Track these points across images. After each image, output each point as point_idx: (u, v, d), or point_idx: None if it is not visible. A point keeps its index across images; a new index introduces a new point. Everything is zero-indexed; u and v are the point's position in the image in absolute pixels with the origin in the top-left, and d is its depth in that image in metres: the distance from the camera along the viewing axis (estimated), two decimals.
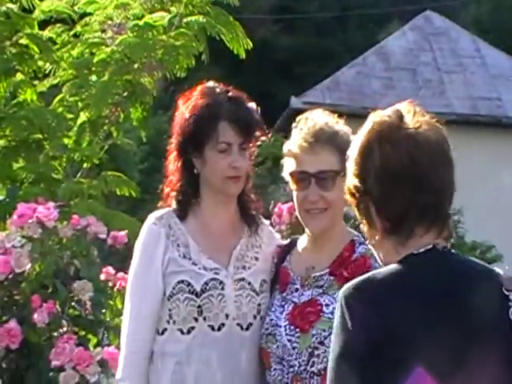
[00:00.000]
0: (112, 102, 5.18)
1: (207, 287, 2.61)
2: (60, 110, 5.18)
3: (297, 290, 2.61)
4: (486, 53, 17.48)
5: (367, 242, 2.12)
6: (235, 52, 5.37)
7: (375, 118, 2.08)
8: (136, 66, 5.26)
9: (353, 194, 2.06)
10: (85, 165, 5.10)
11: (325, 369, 2.46)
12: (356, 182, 2.04)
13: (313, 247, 2.64)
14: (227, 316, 2.61)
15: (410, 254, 1.99)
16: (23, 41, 5.24)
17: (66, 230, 3.64)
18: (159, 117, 14.53)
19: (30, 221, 3.55)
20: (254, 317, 2.64)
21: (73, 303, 3.54)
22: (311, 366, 2.50)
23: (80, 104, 5.20)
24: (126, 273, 3.62)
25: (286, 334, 2.55)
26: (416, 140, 2.03)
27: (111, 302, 3.72)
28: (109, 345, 3.53)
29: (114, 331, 3.59)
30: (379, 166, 2.00)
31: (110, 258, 4.29)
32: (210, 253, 2.65)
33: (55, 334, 3.43)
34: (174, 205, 2.71)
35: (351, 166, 2.06)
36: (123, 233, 3.94)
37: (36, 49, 5.22)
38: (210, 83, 2.73)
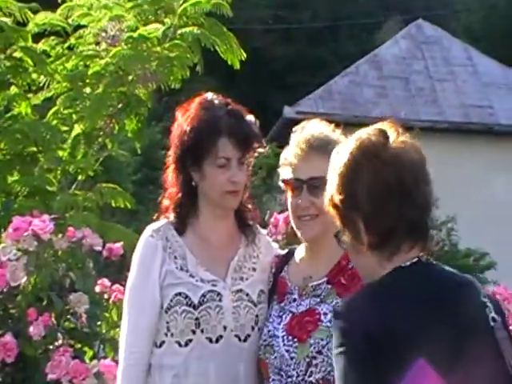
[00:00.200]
0: (106, 113, 5.18)
1: (205, 299, 2.60)
2: (54, 122, 5.18)
3: (295, 300, 2.61)
4: (477, 61, 17.54)
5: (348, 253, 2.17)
6: (229, 63, 5.38)
7: (361, 135, 2.14)
8: (130, 77, 5.27)
9: (336, 207, 2.11)
10: (80, 177, 5.10)
11: (323, 378, 2.48)
12: (342, 196, 2.09)
13: (310, 257, 2.65)
14: (225, 328, 2.61)
15: (398, 267, 2.08)
16: (17, 54, 5.24)
17: (61, 243, 3.64)
18: (152, 128, 14.52)
19: (26, 234, 3.55)
20: (252, 328, 2.64)
21: (68, 316, 3.53)
22: (309, 376, 2.49)
23: (74, 116, 5.20)
24: (121, 285, 3.63)
25: (284, 345, 2.55)
26: (401, 159, 2.11)
27: (107, 315, 3.71)
28: (105, 357, 3.53)
29: (109, 344, 3.59)
30: (370, 183, 2.08)
31: (105, 269, 4.30)
32: (208, 265, 2.65)
33: (51, 346, 3.42)
34: (171, 217, 2.71)
35: (336, 180, 2.11)
36: (119, 245, 3.94)
37: (30, 62, 5.23)
38: (209, 95, 2.71)
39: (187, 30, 5.29)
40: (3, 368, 3.41)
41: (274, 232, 3.71)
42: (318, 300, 2.57)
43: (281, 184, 2.69)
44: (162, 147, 14.63)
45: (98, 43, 5.38)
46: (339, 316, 2.04)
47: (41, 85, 5.32)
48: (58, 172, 5.06)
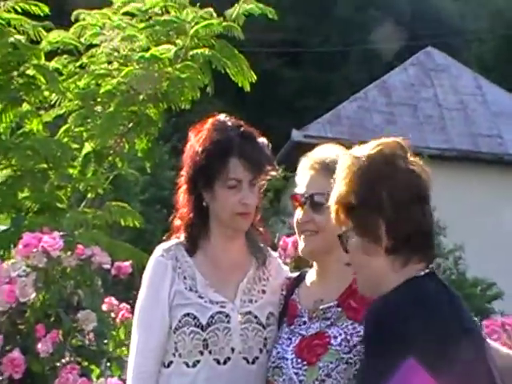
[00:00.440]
0: (117, 132, 5.21)
1: (213, 320, 2.59)
2: (65, 140, 5.21)
3: (305, 322, 2.60)
4: (487, 90, 17.59)
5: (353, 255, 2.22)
6: (240, 85, 5.42)
7: (379, 143, 2.23)
8: (141, 97, 5.30)
9: (351, 207, 2.17)
10: (89, 195, 5.12)
11: None
12: (362, 197, 2.15)
13: (320, 280, 2.65)
14: (233, 350, 2.60)
15: (413, 277, 2.16)
16: (30, 71, 5.29)
17: (70, 260, 3.64)
18: (160, 148, 14.57)
19: (35, 250, 3.55)
20: (260, 350, 2.62)
21: (76, 333, 3.53)
22: None
23: (85, 134, 5.23)
24: (129, 303, 3.62)
25: (293, 367, 2.54)
26: (419, 172, 2.22)
27: (114, 333, 3.71)
28: (111, 376, 3.52)
29: (116, 362, 3.58)
30: (394, 187, 2.16)
31: (113, 288, 4.29)
32: (217, 286, 2.64)
33: (58, 364, 3.41)
34: (182, 237, 2.70)
35: (352, 180, 2.18)
36: (127, 263, 3.94)
37: (42, 79, 5.27)
38: (222, 116, 2.72)
39: (198, 51, 5.34)
40: None
41: (283, 255, 3.71)
42: (328, 323, 2.56)
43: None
44: (170, 167, 14.69)
45: (109, 62, 5.42)
46: (386, 319, 2.06)
47: (52, 102, 5.36)
48: (68, 189, 5.09)
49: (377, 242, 2.16)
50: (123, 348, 3.64)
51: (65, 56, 5.51)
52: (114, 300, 3.92)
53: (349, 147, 2.76)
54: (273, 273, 2.73)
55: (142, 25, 5.50)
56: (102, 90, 5.27)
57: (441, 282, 2.23)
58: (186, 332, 2.58)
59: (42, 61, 5.36)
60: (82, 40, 5.48)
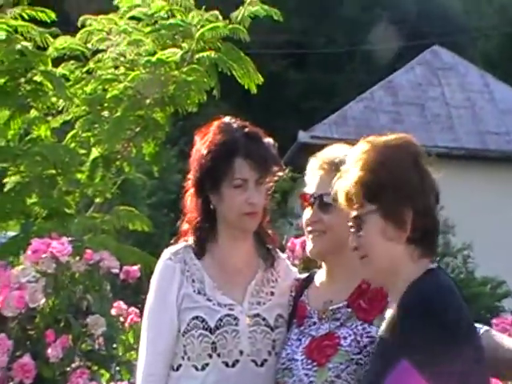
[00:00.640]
0: (124, 137, 5.23)
1: (221, 323, 2.60)
2: (73, 145, 5.23)
3: (314, 323, 2.60)
4: (494, 88, 17.55)
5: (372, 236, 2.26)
6: (246, 87, 5.43)
7: (397, 137, 2.32)
8: (148, 101, 5.31)
9: (381, 191, 2.22)
10: (97, 199, 5.13)
11: None
12: (393, 184, 2.22)
13: (329, 280, 2.65)
14: (241, 352, 2.60)
15: (431, 269, 2.23)
16: (37, 78, 5.30)
17: (79, 265, 3.66)
18: (167, 151, 14.59)
19: (44, 256, 3.57)
20: (269, 353, 2.63)
21: (85, 338, 3.55)
22: None
23: (93, 140, 5.25)
24: (138, 307, 3.64)
25: (303, 368, 2.54)
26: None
27: (123, 337, 3.73)
28: (121, 380, 3.54)
29: (126, 366, 3.60)
30: (422, 180, 2.25)
31: (122, 292, 4.31)
32: (225, 289, 2.65)
33: (68, 368, 3.43)
34: (190, 240, 2.71)
35: (391, 165, 2.24)
36: (136, 267, 3.96)
37: (50, 85, 5.28)
38: (227, 118, 2.73)
39: (204, 54, 5.34)
40: None
41: (291, 256, 3.72)
42: (338, 324, 2.56)
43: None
44: (177, 171, 14.70)
45: (116, 67, 5.43)
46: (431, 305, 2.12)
47: (60, 108, 5.37)
48: (77, 194, 5.10)
49: (401, 228, 2.21)
50: (132, 352, 3.65)
51: (71, 62, 5.52)
52: (122, 304, 3.94)
53: None
54: (281, 274, 2.74)
55: (148, 29, 5.51)
56: (108, 95, 5.28)
57: (448, 275, 2.33)
58: (194, 335, 2.59)
59: (49, 67, 5.37)
60: (89, 45, 5.49)
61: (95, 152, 5.23)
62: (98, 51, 5.51)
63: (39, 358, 3.39)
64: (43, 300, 3.45)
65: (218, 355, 2.58)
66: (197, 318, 2.61)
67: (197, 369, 2.59)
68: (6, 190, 5.12)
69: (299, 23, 23.42)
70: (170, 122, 5.53)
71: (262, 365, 2.62)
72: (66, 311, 3.52)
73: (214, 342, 2.58)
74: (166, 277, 2.67)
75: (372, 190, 2.24)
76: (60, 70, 5.44)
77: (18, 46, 5.20)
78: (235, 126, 2.70)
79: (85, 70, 5.49)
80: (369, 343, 2.48)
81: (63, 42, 5.44)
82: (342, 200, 2.32)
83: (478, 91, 17.39)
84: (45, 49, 5.42)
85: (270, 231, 2.77)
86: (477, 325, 2.35)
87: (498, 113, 16.89)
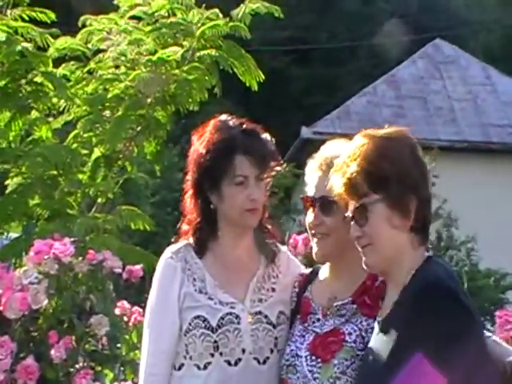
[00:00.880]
0: (126, 136, 5.23)
1: (223, 322, 2.60)
2: (74, 146, 5.23)
3: (318, 319, 2.60)
4: (496, 80, 17.50)
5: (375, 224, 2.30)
6: (248, 84, 5.42)
7: (400, 129, 2.37)
8: (149, 100, 5.31)
9: (386, 180, 2.26)
10: (99, 200, 5.13)
11: None
12: (404, 172, 2.27)
13: (334, 276, 2.64)
14: (244, 351, 2.60)
15: (430, 256, 2.31)
16: (38, 79, 5.30)
17: (81, 265, 3.66)
18: (170, 150, 14.58)
19: (47, 257, 3.58)
20: (271, 350, 2.63)
21: (89, 338, 3.55)
22: None
23: (94, 140, 5.25)
24: (141, 307, 3.64)
25: (307, 365, 2.54)
26: None
27: (127, 337, 3.73)
28: (125, 379, 3.54)
29: (130, 366, 3.61)
30: (423, 171, 2.31)
31: (125, 292, 4.32)
32: (226, 287, 2.65)
33: (72, 369, 3.44)
34: (191, 240, 2.71)
35: (394, 155, 2.29)
36: (138, 267, 3.96)
37: (50, 86, 5.28)
38: (223, 116, 2.72)
39: (205, 52, 5.34)
40: None
41: (293, 253, 3.72)
42: (343, 320, 2.56)
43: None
44: (180, 169, 14.68)
45: (117, 67, 5.43)
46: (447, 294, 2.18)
47: (61, 109, 5.38)
48: (79, 195, 5.10)
49: (406, 217, 2.27)
50: (136, 351, 3.66)
51: (72, 62, 5.52)
52: (126, 304, 3.94)
53: None
54: (282, 269, 2.73)
55: (149, 28, 5.51)
56: (109, 95, 5.28)
57: (445, 262, 2.45)
58: (196, 334, 2.59)
59: (50, 68, 5.37)
60: (89, 45, 5.49)
61: (97, 152, 5.23)
62: (98, 51, 5.51)
63: (43, 359, 3.40)
64: (46, 301, 3.46)
65: (221, 354, 2.58)
66: (198, 317, 2.61)
67: (199, 368, 2.59)
68: (8, 191, 5.13)
69: (301, 19, 23.39)
70: (172, 121, 5.53)
71: (264, 362, 2.61)
72: (69, 312, 3.52)
73: (215, 341, 2.58)
74: (167, 276, 2.67)
75: (377, 180, 2.28)
76: (61, 71, 5.44)
77: (19, 47, 5.20)
78: (232, 123, 2.69)
79: (86, 70, 5.49)
80: None
81: (64, 42, 5.44)
82: (342, 191, 2.35)
83: (480, 84, 17.35)
84: (45, 49, 5.42)
85: (269, 226, 2.76)
86: None
87: (501, 105, 16.85)
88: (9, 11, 5.36)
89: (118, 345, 3.72)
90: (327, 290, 2.63)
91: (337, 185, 2.38)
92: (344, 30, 25.15)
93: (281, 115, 21.16)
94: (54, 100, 5.32)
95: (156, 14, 5.56)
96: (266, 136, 2.71)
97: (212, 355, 2.58)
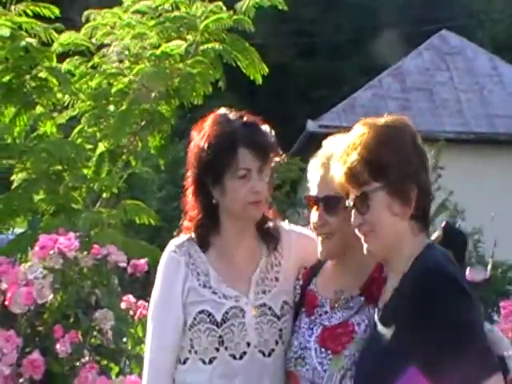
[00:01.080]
0: (130, 131, 5.23)
1: (228, 316, 2.60)
2: (79, 141, 5.23)
3: (326, 312, 2.60)
4: (503, 71, 17.44)
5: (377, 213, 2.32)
6: (252, 78, 5.42)
7: (400, 117, 2.39)
8: (153, 94, 5.31)
9: (387, 169, 2.28)
10: (104, 194, 5.14)
11: None
12: (404, 160, 2.29)
13: (340, 269, 2.64)
14: (249, 344, 2.60)
15: (430, 243, 2.33)
16: (42, 74, 5.30)
17: (86, 260, 3.67)
18: (176, 145, 14.55)
19: (52, 252, 3.59)
20: (276, 342, 2.63)
21: (94, 332, 3.56)
22: None
23: (99, 134, 5.25)
24: (146, 301, 3.65)
25: (317, 357, 2.54)
26: None
27: (132, 331, 3.74)
28: (130, 373, 3.55)
29: (135, 360, 3.61)
30: (423, 159, 2.33)
31: (130, 286, 4.33)
32: (230, 280, 2.65)
33: (78, 363, 3.45)
34: (193, 236, 2.71)
35: (395, 143, 2.31)
36: (143, 261, 3.97)
37: (55, 81, 5.29)
38: (222, 110, 2.71)
39: (209, 46, 5.33)
40: None
41: None
42: (352, 312, 2.56)
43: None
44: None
45: (121, 61, 5.43)
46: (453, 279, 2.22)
47: (65, 104, 5.38)
48: (83, 190, 5.11)
49: (407, 205, 2.31)
50: (142, 345, 3.66)
51: (76, 57, 5.52)
52: (131, 298, 3.95)
53: None
54: (285, 253, 2.72)
55: (153, 22, 5.50)
56: (113, 90, 5.28)
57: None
58: (201, 329, 2.59)
59: (54, 63, 5.37)
60: (93, 40, 5.50)
61: (101, 147, 5.24)
62: (102, 46, 5.51)
63: (48, 353, 3.41)
64: (51, 296, 3.47)
65: (226, 348, 2.59)
66: (203, 311, 2.61)
67: (204, 362, 2.60)
68: (13, 187, 5.14)
69: (306, 12, 23.33)
70: (178, 115, 5.53)
71: (269, 355, 2.62)
72: (74, 306, 3.53)
73: (220, 336, 2.59)
74: (170, 270, 2.67)
75: (377, 168, 2.30)
76: (65, 66, 5.44)
77: (23, 43, 5.21)
78: (232, 116, 2.68)
79: (90, 64, 5.49)
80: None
81: (68, 37, 5.44)
82: (342, 180, 2.37)
83: (487, 75, 17.30)
84: (49, 45, 5.43)
85: (271, 217, 2.73)
86: None
87: (507, 96, 16.79)
88: (13, 7, 5.36)
89: (124, 339, 3.73)
90: (333, 284, 2.63)
91: (338, 174, 2.40)
92: (349, 22, 25.09)
93: (286, 109, 21.13)
94: (59, 95, 5.33)
95: (159, 8, 5.56)
96: (266, 128, 2.70)
97: (217, 350, 2.59)
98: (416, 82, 16.93)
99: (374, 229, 2.33)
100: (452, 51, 17.78)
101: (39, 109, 5.30)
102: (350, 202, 2.38)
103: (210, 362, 2.59)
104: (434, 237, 2.49)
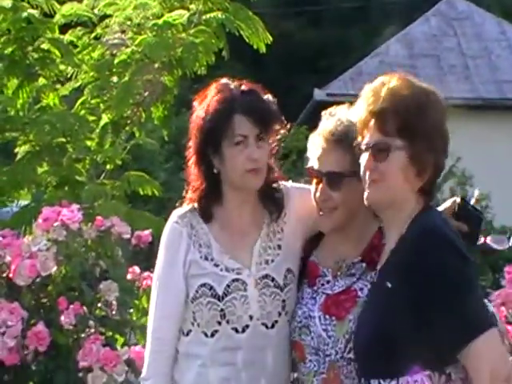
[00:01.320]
0: (133, 102, 5.21)
1: (229, 290, 2.59)
2: (82, 112, 5.23)
3: (328, 281, 2.60)
4: (511, 35, 17.30)
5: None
6: (255, 47, 5.38)
7: (437, 92, 2.37)
8: (156, 65, 5.29)
9: (414, 132, 2.28)
10: (108, 166, 5.14)
11: None
12: (431, 133, 2.29)
13: (340, 238, 2.63)
14: (251, 317, 2.59)
15: (427, 207, 2.34)
16: (45, 45, 5.30)
17: (90, 232, 3.68)
18: (183, 115, 14.51)
19: (55, 224, 3.59)
20: (279, 314, 2.61)
21: (99, 304, 3.58)
22: (348, 353, 2.49)
23: (102, 106, 5.24)
24: (151, 272, 3.65)
25: (321, 324, 2.54)
26: None
27: (137, 302, 3.75)
28: (136, 344, 3.57)
29: (140, 330, 3.62)
30: (447, 142, 2.35)
31: (134, 257, 4.33)
32: (232, 252, 2.63)
33: (83, 335, 3.47)
34: (196, 206, 2.69)
35: (430, 111, 2.30)
36: (147, 232, 3.97)
37: (57, 53, 5.28)
38: (224, 80, 2.69)
39: (212, 15, 5.29)
40: (36, 356, 3.47)
41: None
42: (354, 279, 2.56)
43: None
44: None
45: (123, 31, 5.40)
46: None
47: (68, 76, 5.37)
48: (87, 162, 5.11)
49: (420, 176, 2.30)
50: (147, 316, 3.66)
51: (79, 28, 5.50)
52: (137, 269, 3.95)
53: None
54: (287, 218, 2.68)
55: None
56: (116, 61, 5.26)
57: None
58: (203, 303, 2.59)
59: (57, 34, 5.36)
60: (96, 11, 5.47)
61: (105, 118, 5.23)
62: (105, 16, 5.48)
63: (53, 325, 3.43)
64: (55, 268, 3.48)
65: (227, 322, 2.58)
66: (204, 285, 2.59)
67: (206, 335, 2.60)
68: (16, 159, 5.15)
69: None
70: (185, 86, 5.50)
71: (272, 326, 2.60)
72: (78, 278, 3.54)
73: (222, 310, 2.58)
74: (173, 241, 2.66)
75: (409, 131, 2.29)
76: (67, 37, 5.43)
77: (25, 14, 5.19)
78: (231, 85, 2.66)
79: (93, 36, 5.47)
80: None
81: (70, 8, 5.42)
82: (363, 118, 2.35)
83: (495, 40, 17.16)
84: (52, 16, 5.41)
85: (277, 188, 2.71)
86: None
87: None
88: None
89: (131, 310, 3.74)
90: (334, 254, 2.63)
91: (361, 111, 2.37)
92: None
93: (293, 78, 21.03)
94: (62, 67, 5.32)
95: None
96: (268, 96, 2.67)
97: (219, 323, 2.58)
98: (423, 49, 16.81)
99: (384, 180, 2.32)
100: (459, 16, 17.63)
101: (42, 80, 5.30)
102: (366, 144, 2.35)
103: (212, 335, 2.59)
104: (442, 207, 2.48)
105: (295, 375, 2.63)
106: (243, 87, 2.65)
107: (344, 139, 2.55)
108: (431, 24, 17.48)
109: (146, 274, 3.98)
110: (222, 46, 5.38)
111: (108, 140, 5.19)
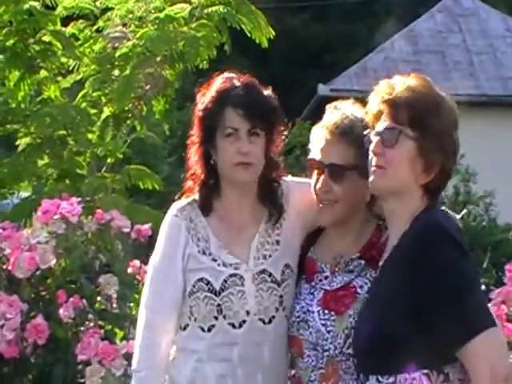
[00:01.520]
0: (135, 95, 5.20)
1: (226, 285, 2.58)
2: (83, 105, 5.22)
3: (326, 277, 2.59)
4: None
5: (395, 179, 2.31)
6: (258, 41, 5.36)
7: (425, 77, 2.37)
8: (158, 58, 5.27)
9: (429, 129, 2.27)
10: (109, 159, 5.13)
11: None
12: (442, 131, 2.28)
13: (338, 237, 2.62)
14: (248, 313, 2.58)
15: (430, 206, 2.32)
16: (46, 38, 5.29)
17: (90, 225, 3.67)
18: (187, 109, 14.52)
19: (55, 217, 3.59)
20: (276, 309, 2.60)
21: (99, 297, 3.57)
22: (347, 348, 2.48)
23: (103, 99, 5.23)
24: None
25: (320, 319, 2.54)
26: None
27: (137, 296, 3.73)
28: (134, 338, 3.54)
29: None
30: (457, 147, 2.34)
31: (134, 251, 4.32)
32: (230, 247, 2.62)
33: (82, 328, 3.46)
34: (197, 197, 2.69)
35: (443, 112, 2.31)
36: (147, 226, 3.96)
37: (59, 45, 5.27)
38: (225, 74, 2.70)
39: (214, 9, 5.28)
40: (35, 349, 3.46)
41: None
42: (353, 276, 2.56)
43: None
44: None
45: (125, 25, 5.39)
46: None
47: (70, 68, 5.36)
48: (87, 155, 5.10)
49: (426, 172, 2.29)
50: None
51: (81, 21, 5.49)
52: (138, 263, 3.94)
53: None
54: (287, 213, 2.67)
55: None
56: (117, 54, 5.26)
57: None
58: (200, 297, 2.58)
59: (58, 27, 5.35)
60: (98, 4, 5.46)
61: (106, 111, 5.22)
62: (106, 9, 5.47)
63: (52, 318, 3.43)
64: (54, 261, 3.48)
65: (224, 317, 2.57)
66: (202, 279, 2.59)
67: (203, 330, 2.59)
68: (17, 151, 5.14)
69: None
70: (189, 80, 5.48)
71: (269, 322, 2.60)
72: (77, 271, 3.54)
73: (219, 305, 2.57)
74: (172, 234, 2.65)
75: (422, 127, 2.28)
76: (69, 30, 5.42)
77: (27, 6, 5.19)
78: (231, 78, 2.66)
79: (94, 28, 5.45)
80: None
81: (72, 1, 5.41)
82: (377, 108, 2.34)
83: (501, 36, 17.13)
84: (53, 8, 5.40)
85: (276, 184, 2.70)
86: None
87: None
88: None
89: (130, 304, 3.73)
90: (332, 250, 2.62)
91: (375, 102, 2.36)
92: None
93: (298, 73, 21.01)
94: (63, 59, 5.32)
95: None
96: (268, 92, 2.66)
97: (216, 318, 2.57)
98: (428, 45, 16.78)
99: (390, 166, 2.31)
100: (465, 13, 17.60)
101: (43, 73, 5.29)
102: (376, 131, 2.34)
103: (209, 330, 2.58)
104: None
105: (293, 372, 2.62)
106: (241, 81, 2.65)
107: (349, 133, 2.54)
108: (436, 20, 17.45)
109: (146, 267, 3.97)
110: (224, 41, 5.36)
111: (109, 133, 5.18)
